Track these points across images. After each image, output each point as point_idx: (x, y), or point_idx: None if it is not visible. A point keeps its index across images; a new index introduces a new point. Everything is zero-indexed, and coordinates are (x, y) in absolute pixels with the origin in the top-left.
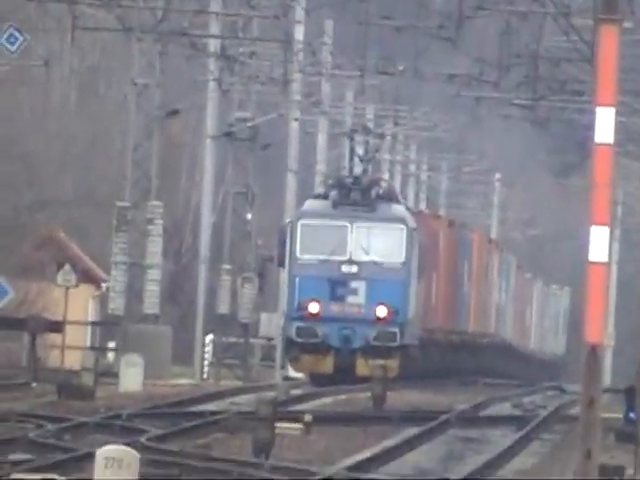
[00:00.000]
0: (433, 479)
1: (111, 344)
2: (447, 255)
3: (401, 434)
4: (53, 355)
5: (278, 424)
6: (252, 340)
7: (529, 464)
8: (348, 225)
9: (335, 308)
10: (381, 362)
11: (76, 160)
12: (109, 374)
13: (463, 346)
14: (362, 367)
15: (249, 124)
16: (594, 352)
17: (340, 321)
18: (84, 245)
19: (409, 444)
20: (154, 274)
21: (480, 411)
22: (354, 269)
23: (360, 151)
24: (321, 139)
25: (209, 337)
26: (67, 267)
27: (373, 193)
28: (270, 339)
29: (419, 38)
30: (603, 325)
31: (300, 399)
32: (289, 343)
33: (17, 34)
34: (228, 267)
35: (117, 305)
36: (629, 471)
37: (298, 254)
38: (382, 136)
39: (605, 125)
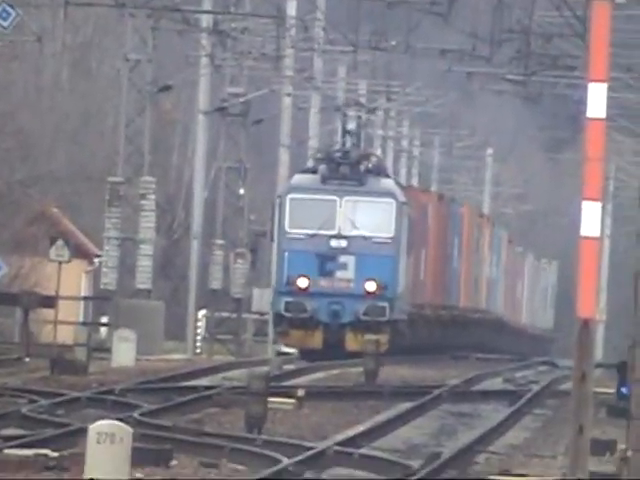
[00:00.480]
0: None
1: (104, 319)
2: (436, 229)
3: (393, 409)
4: (46, 330)
5: (271, 399)
6: (245, 315)
7: (521, 439)
8: (337, 199)
9: (324, 283)
10: (374, 337)
11: (69, 136)
12: (102, 349)
13: (453, 321)
14: (351, 342)
15: (241, 99)
16: (586, 327)
17: (329, 296)
18: (77, 220)
19: (401, 419)
20: (146, 249)
21: (472, 386)
22: (343, 244)
23: (352, 126)
24: (313, 114)
25: (202, 312)
26: (60, 242)
27: (362, 167)
28: (263, 314)
29: (411, 13)
30: (595, 300)
31: (293, 374)
32: (278, 318)
33: (10, 9)
34: (221, 242)
35: (110, 280)
36: (621, 446)
37: (287, 228)
38: (373, 110)
39: (597, 100)
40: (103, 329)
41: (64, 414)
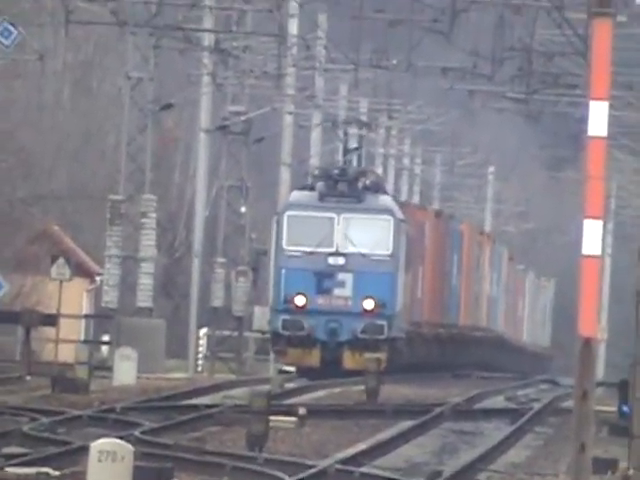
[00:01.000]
0: None
1: (105, 337)
2: (434, 247)
3: (395, 427)
4: (47, 348)
5: (272, 417)
6: (246, 333)
7: (523, 457)
8: (335, 216)
9: (322, 301)
10: (376, 355)
11: (70, 154)
12: (103, 367)
13: (452, 339)
14: (349, 360)
15: (243, 118)
16: (587, 345)
17: (327, 314)
18: (78, 238)
19: (403, 437)
20: (148, 267)
21: (474, 404)
22: (341, 261)
23: (354, 144)
24: (315, 133)
25: (203, 330)
26: (61, 261)
27: (360, 184)
28: (264, 332)
29: (413, 31)
30: (596, 318)
31: (294, 392)
32: (275, 336)
33: (11, 28)
34: (222, 260)
35: (111, 298)
36: (622, 464)
37: (284, 246)
38: (369, 126)
39: (599, 118)
40: (104, 347)
41: (65, 432)
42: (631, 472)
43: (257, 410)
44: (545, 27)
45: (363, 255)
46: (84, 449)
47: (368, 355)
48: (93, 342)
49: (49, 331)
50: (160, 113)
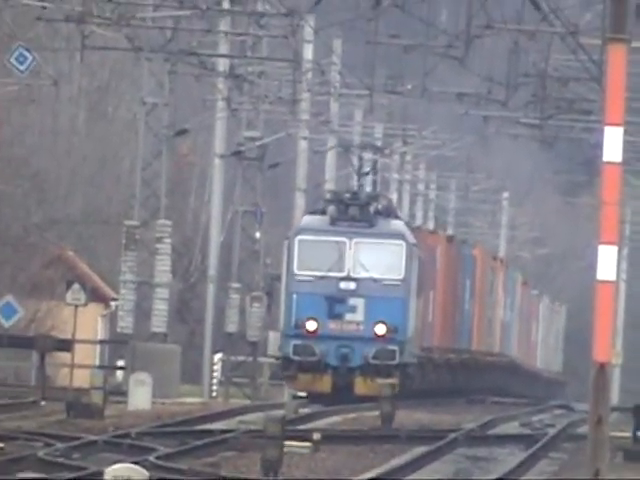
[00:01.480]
0: None
1: (120, 362)
2: (445, 271)
3: (409, 452)
4: (62, 374)
5: (287, 442)
6: (260, 359)
7: None
8: (346, 241)
9: (333, 326)
10: (390, 380)
11: (85, 179)
12: (118, 392)
13: (463, 365)
14: (361, 386)
15: (258, 143)
16: (602, 371)
17: (338, 339)
18: (93, 264)
19: (417, 463)
20: (163, 293)
21: (488, 430)
22: (352, 286)
23: (367, 169)
24: (329, 158)
25: (218, 356)
26: (76, 286)
27: (372, 208)
28: (279, 358)
29: (427, 57)
30: (611, 344)
31: (309, 417)
32: (286, 361)
33: (26, 54)
34: (237, 286)
35: (126, 324)
36: None
37: (295, 270)
38: (382, 150)
39: (613, 144)
40: (119, 372)
41: (80, 458)
42: None
43: (272, 435)
44: (559, 53)
45: (375, 280)
46: (99, 474)
47: (381, 380)
48: (108, 367)
49: (64, 356)
50: (175, 138)
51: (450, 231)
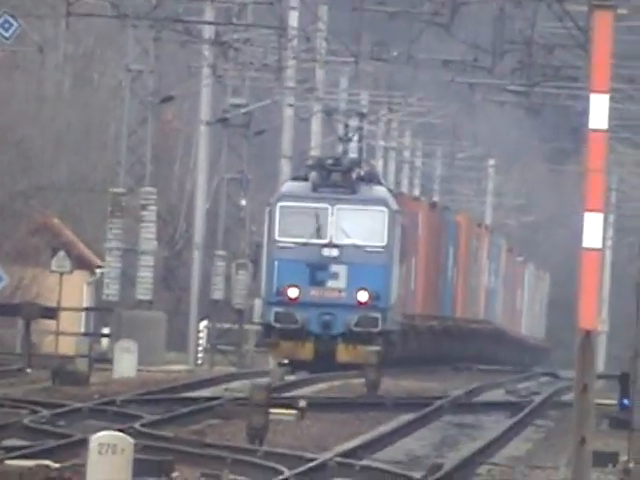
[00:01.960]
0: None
1: (105, 330)
2: (428, 238)
3: (395, 420)
4: (47, 341)
5: (272, 410)
6: (246, 326)
7: (523, 450)
8: (328, 207)
9: (315, 293)
10: (376, 348)
11: (70, 146)
12: (103, 360)
13: (446, 332)
14: (343, 353)
15: (243, 110)
16: (588, 338)
17: (320, 306)
18: (78, 231)
19: (403, 430)
20: (148, 260)
21: (474, 397)
22: (334, 253)
23: (354, 136)
24: (315, 125)
25: (203, 323)
26: (61, 253)
27: (354, 175)
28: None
29: (413, 24)
30: (597, 311)
31: (294, 385)
32: (268, 329)
33: (11, 20)
34: (222, 253)
35: (112, 291)
36: (623, 457)
37: (277, 237)
38: (364, 115)
39: (599, 111)
40: (105, 340)
41: (65, 425)
42: (631, 465)
43: (257, 403)
44: (546, 19)
45: (357, 247)
46: (84, 442)
47: (368, 348)
48: (93, 335)
49: (49, 324)
50: (160, 105)
51: (436, 198)
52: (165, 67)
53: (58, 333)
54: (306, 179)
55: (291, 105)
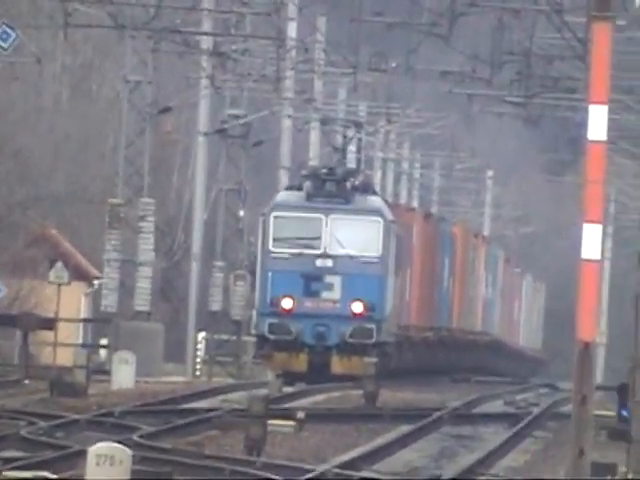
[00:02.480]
0: (424, 479)
1: (103, 341)
2: (422, 249)
3: (394, 431)
4: (45, 352)
5: (270, 421)
6: (244, 337)
7: (522, 461)
8: (323, 217)
9: (309, 304)
10: (374, 360)
11: (69, 157)
12: (101, 371)
13: (442, 343)
14: (337, 365)
15: (241, 121)
16: (587, 350)
17: (314, 317)
18: (76, 242)
19: (402, 441)
20: (146, 271)
21: (473, 408)
22: (329, 263)
23: (351, 147)
24: (313, 136)
25: (201, 334)
26: (59, 264)
27: (349, 184)
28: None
29: (412, 35)
30: (595, 323)
31: (293, 396)
32: (261, 340)
33: (9, 31)
34: (220, 264)
35: (110, 302)
36: (621, 469)
37: (271, 247)
38: (361, 125)
39: (598, 122)
40: (103, 351)
41: (63, 436)
42: (630, 476)
43: (255, 414)
44: (544, 31)
45: (352, 257)
46: (82, 453)
47: (367, 359)
48: (91, 346)
49: (47, 335)
50: (158, 116)
51: (434, 210)
52: (163, 78)
53: (56, 344)
54: (300, 189)
55: (289, 116)
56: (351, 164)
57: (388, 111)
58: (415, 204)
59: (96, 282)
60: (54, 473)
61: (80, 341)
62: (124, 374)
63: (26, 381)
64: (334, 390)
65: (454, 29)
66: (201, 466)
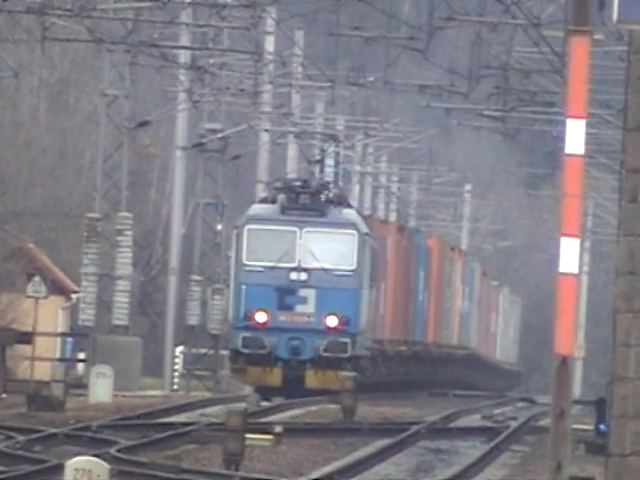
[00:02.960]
0: None
1: (81, 355)
2: (397, 262)
3: (371, 445)
4: (23, 366)
5: (248, 435)
6: (222, 351)
7: (499, 476)
8: (297, 230)
9: (283, 318)
10: (352, 374)
11: (46, 171)
12: (79, 385)
13: (416, 357)
14: (312, 379)
15: (219, 135)
16: (564, 364)
17: (288, 331)
18: (54, 256)
19: (379, 455)
20: (124, 285)
21: (450, 422)
22: (303, 276)
23: (329, 161)
24: (291, 150)
25: (179, 348)
26: (37, 278)
27: (323, 197)
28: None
29: (389, 49)
30: (573, 336)
31: (270, 410)
32: (235, 354)
33: None
34: (198, 278)
35: (87, 316)
36: None
37: (244, 261)
38: (336, 138)
39: (576, 136)
40: (80, 365)
41: (41, 450)
42: None
43: (233, 428)
44: (522, 45)
45: (326, 270)
46: (60, 467)
47: (344, 373)
48: (69, 360)
49: (25, 349)
50: (136, 130)
51: (412, 224)
52: (141, 92)
53: (33, 358)
54: (274, 201)
55: (267, 130)
56: (329, 178)
57: (366, 125)
58: (393, 218)
59: (74, 296)
60: None
61: (58, 355)
62: (102, 388)
63: (3, 395)
64: (311, 404)
65: (432, 43)
66: None
